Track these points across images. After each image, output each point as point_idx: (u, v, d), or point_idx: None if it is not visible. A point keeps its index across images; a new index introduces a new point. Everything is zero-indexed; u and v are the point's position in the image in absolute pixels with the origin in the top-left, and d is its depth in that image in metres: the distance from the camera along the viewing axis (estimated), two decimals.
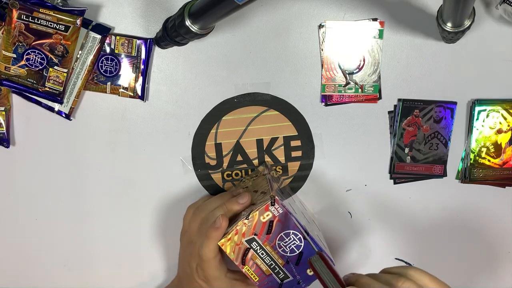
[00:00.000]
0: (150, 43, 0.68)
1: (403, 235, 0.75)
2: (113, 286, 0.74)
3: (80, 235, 0.73)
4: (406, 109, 0.72)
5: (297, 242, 0.60)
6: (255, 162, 0.72)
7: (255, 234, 0.59)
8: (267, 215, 0.59)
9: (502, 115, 0.72)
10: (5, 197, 0.71)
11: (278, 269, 0.60)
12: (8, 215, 0.72)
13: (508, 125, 0.72)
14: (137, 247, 0.73)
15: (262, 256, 0.60)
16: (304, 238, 0.59)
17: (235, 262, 0.60)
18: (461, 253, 0.76)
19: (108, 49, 0.68)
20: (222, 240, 0.60)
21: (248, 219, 0.59)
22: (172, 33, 0.62)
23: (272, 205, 0.59)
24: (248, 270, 0.60)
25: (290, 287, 0.61)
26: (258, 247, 0.60)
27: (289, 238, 0.59)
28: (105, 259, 0.73)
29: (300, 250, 0.60)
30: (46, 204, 0.72)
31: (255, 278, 0.60)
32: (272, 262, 0.60)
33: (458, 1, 0.54)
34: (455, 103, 0.72)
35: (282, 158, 0.72)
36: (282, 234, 0.59)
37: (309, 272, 0.60)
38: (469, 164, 0.73)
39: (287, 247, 0.60)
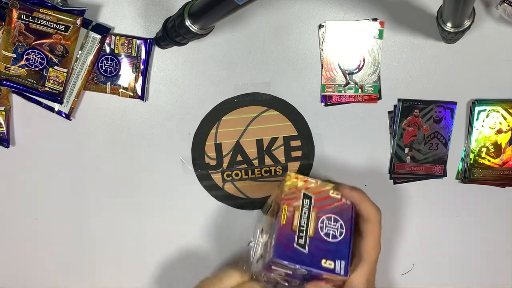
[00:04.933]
0: (150, 43, 0.68)
1: (403, 235, 0.75)
2: (113, 286, 0.74)
3: (80, 235, 0.73)
4: (406, 109, 0.72)
5: (337, 233, 0.59)
6: (255, 162, 0.72)
7: (316, 196, 0.60)
8: (336, 194, 0.60)
9: (502, 115, 0.72)
10: (5, 197, 0.71)
11: (303, 235, 0.58)
12: (8, 215, 0.72)
13: (508, 125, 0.72)
14: (136, 247, 0.73)
15: (302, 214, 0.59)
16: (348, 241, 0.59)
17: (281, 195, 0.60)
18: (460, 253, 0.76)
19: (108, 49, 0.68)
20: (294, 174, 0.61)
21: (322, 183, 0.61)
22: (172, 33, 0.62)
23: (334, 192, 0.60)
24: (285, 210, 0.59)
25: (297, 258, 0.57)
26: (307, 207, 0.59)
27: (335, 225, 0.59)
28: (105, 259, 0.73)
29: (331, 240, 0.58)
30: (46, 204, 0.72)
31: (283, 221, 0.59)
32: (304, 226, 0.59)
33: (458, 1, 0.54)
34: (455, 103, 0.72)
35: (282, 158, 0.73)
36: (334, 216, 0.59)
37: (323, 263, 0.58)
38: (469, 164, 0.73)
39: (327, 228, 0.59)
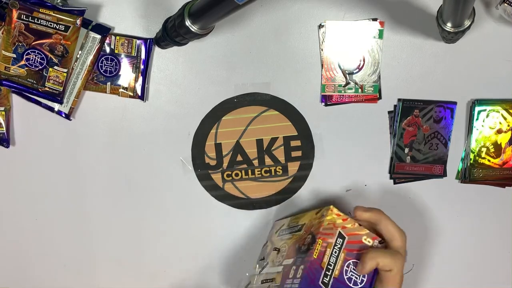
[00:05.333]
0: (150, 43, 0.68)
1: None
2: (113, 286, 0.74)
3: (80, 235, 0.73)
4: (406, 109, 0.72)
5: (358, 280, 0.59)
6: (255, 162, 0.72)
7: (349, 237, 0.60)
8: (367, 241, 0.60)
9: (502, 115, 0.72)
10: (5, 197, 0.71)
11: (329, 274, 0.59)
12: (8, 215, 0.72)
13: (508, 125, 0.72)
14: (137, 248, 0.73)
15: (333, 253, 0.59)
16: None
17: (320, 228, 0.60)
18: (460, 252, 0.76)
19: (108, 49, 0.68)
20: (337, 210, 0.61)
21: (358, 227, 0.60)
22: (172, 33, 0.62)
23: (367, 238, 0.60)
24: (320, 244, 0.59)
25: None
26: (338, 246, 0.60)
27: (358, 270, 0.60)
28: (105, 259, 0.73)
29: (352, 285, 0.59)
30: (46, 204, 0.72)
31: (315, 255, 0.59)
32: (332, 265, 0.59)
33: (458, 1, 0.54)
34: (455, 103, 0.72)
35: (282, 158, 0.72)
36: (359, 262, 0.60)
37: None
38: (469, 164, 0.73)
39: (350, 273, 0.59)
